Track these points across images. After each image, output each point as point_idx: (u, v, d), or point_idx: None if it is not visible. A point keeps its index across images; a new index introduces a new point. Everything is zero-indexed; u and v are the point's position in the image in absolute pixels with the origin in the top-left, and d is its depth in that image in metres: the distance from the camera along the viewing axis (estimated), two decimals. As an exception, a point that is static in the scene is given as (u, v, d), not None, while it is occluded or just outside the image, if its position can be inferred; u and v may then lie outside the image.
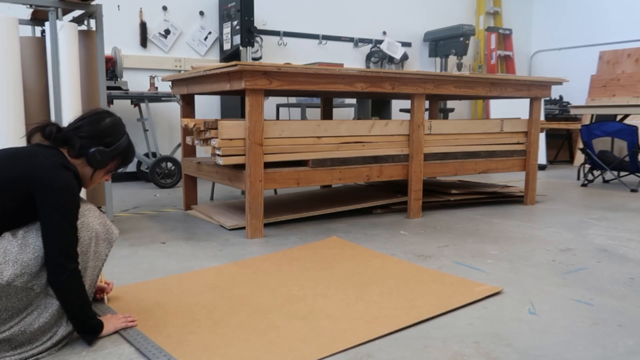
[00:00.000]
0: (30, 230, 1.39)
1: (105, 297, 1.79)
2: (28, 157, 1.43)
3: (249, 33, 5.01)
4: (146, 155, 5.01)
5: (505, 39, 7.61)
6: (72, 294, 1.39)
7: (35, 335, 1.39)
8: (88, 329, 1.46)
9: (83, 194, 2.73)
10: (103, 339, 1.51)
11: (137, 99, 4.72)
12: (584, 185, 4.93)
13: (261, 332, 1.56)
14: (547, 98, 6.11)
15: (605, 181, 5.17)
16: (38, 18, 3.11)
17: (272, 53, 5.89)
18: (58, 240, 1.36)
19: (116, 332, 1.55)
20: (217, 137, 2.69)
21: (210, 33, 5.53)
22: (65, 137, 1.53)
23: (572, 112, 5.65)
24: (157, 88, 4.97)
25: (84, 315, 1.44)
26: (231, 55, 5.26)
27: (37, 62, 2.76)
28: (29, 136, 1.56)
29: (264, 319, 1.67)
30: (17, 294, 1.34)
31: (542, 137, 6.43)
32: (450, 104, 6.77)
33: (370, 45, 6.52)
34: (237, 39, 5.08)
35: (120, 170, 1.69)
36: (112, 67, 4.50)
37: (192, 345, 1.48)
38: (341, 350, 1.46)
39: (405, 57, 6.67)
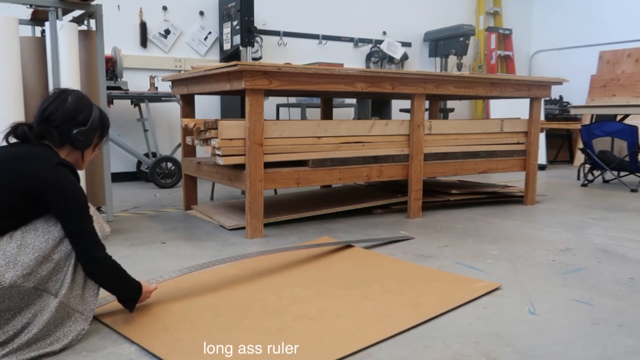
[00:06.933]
0: (28, 231, 1.40)
1: None
2: (24, 161, 1.42)
3: (249, 33, 5.01)
4: (146, 155, 5.01)
5: (505, 39, 7.61)
6: (109, 278, 1.51)
7: (36, 337, 1.38)
8: (130, 298, 1.60)
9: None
10: (103, 340, 1.52)
11: (137, 99, 4.72)
12: (584, 185, 4.93)
13: (274, 334, 1.55)
14: (547, 98, 6.11)
15: (605, 181, 5.17)
16: (38, 18, 3.11)
17: (272, 53, 5.89)
18: (81, 237, 1.44)
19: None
20: (217, 137, 2.69)
21: (210, 33, 5.53)
22: (40, 132, 1.51)
23: (572, 112, 5.65)
24: (157, 88, 4.97)
25: (126, 289, 1.58)
26: (231, 55, 5.26)
27: (37, 62, 2.76)
28: (5, 140, 1.52)
29: (274, 320, 1.65)
30: (19, 294, 1.35)
31: (542, 137, 6.42)
32: (450, 104, 6.76)
33: (370, 45, 6.52)
34: (237, 39, 5.08)
35: (104, 141, 1.66)
36: (112, 67, 4.51)
37: (201, 344, 1.47)
38: (357, 350, 1.44)
39: (405, 57, 6.67)
